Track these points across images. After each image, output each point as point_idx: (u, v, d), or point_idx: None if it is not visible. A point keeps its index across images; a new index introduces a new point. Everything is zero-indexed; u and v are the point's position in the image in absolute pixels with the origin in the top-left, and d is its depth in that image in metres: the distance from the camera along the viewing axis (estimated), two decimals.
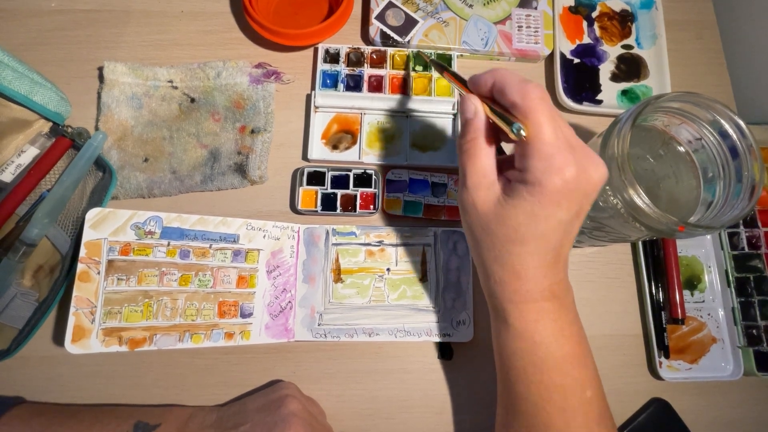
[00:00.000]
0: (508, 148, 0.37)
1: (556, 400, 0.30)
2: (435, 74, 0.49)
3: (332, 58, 0.49)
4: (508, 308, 0.30)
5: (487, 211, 0.29)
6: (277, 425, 0.35)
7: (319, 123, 0.48)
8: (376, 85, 0.48)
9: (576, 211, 0.28)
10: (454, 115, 0.48)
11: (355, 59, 0.49)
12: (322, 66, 0.49)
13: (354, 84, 0.48)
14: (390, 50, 0.49)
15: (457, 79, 0.34)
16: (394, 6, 0.50)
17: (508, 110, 0.28)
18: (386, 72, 0.49)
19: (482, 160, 0.29)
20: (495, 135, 0.30)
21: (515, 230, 0.28)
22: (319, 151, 0.47)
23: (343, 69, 0.49)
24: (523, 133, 0.26)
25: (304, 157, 0.47)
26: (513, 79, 0.28)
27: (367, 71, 0.49)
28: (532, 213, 0.27)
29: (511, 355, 0.32)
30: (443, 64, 0.39)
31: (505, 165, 0.30)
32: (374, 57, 0.49)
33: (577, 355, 0.31)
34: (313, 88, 0.49)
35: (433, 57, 0.47)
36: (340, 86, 0.48)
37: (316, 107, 0.48)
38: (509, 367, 0.32)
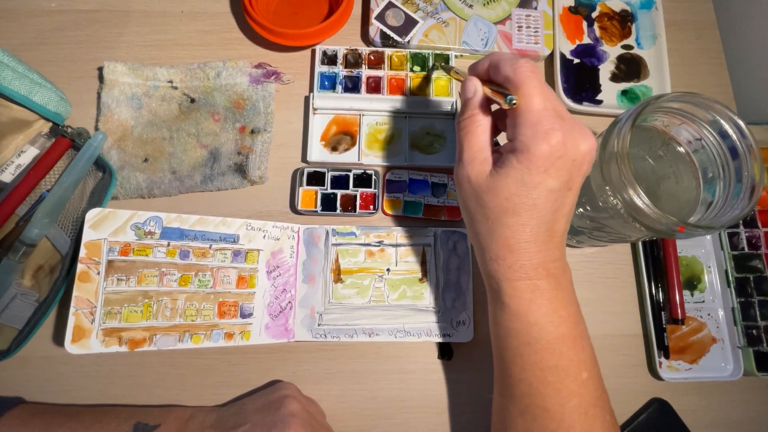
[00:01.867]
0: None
1: (551, 381, 0.30)
2: (434, 74, 0.49)
3: (330, 59, 0.49)
4: (503, 286, 0.31)
5: (480, 183, 0.29)
6: (276, 426, 0.35)
7: (318, 125, 0.48)
8: (375, 86, 0.48)
9: (565, 181, 0.28)
10: (453, 115, 0.48)
11: (353, 60, 0.49)
12: (320, 68, 0.49)
13: (352, 85, 0.48)
14: (388, 51, 0.49)
15: (461, 75, 0.36)
16: (394, 6, 0.50)
17: (503, 87, 0.29)
18: (384, 73, 0.49)
19: (478, 137, 0.30)
20: (492, 119, 0.31)
21: (507, 200, 0.28)
22: (318, 153, 0.47)
23: (341, 70, 0.49)
24: (514, 102, 0.27)
25: (304, 159, 0.47)
26: (506, 56, 0.30)
27: (365, 72, 0.49)
28: (522, 181, 0.27)
29: (506, 335, 0.31)
30: (449, 66, 0.42)
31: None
32: (372, 58, 0.49)
33: (572, 337, 0.31)
34: (311, 89, 0.49)
35: (445, 64, 0.49)
36: (339, 88, 0.48)
37: (315, 109, 0.48)
38: (504, 348, 0.32)
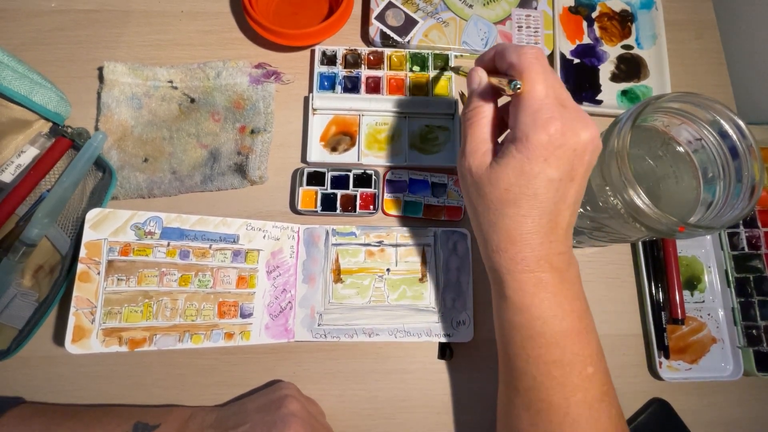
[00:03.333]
0: None
1: (556, 376, 0.30)
2: (432, 74, 0.49)
3: (329, 60, 0.49)
4: (506, 279, 0.30)
5: (481, 174, 0.29)
6: (276, 425, 0.35)
7: (318, 125, 0.48)
8: (374, 86, 0.48)
9: (567, 171, 0.28)
10: (452, 114, 0.48)
11: (353, 61, 0.49)
12: (319, 68, 0.49)
13: (351, 86, 0.48)
14: (387, 51, 0.49)
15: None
16: (394, 6, 0.50)
17: (508, 75, 0.29)
18: (383, 73, 0.49)
19: (482, 128, 0.30)
20: (499, 113, 0.31)
21: (507, 190, 0.28)
22: (318, 153, 0.47)
23: (340, 71, 0.49)
24: (519, 87, 0.27)
25: (303, 160, 0.47)
26: (511, 45, 0.30)
27: (365, 72, 0.49)
28: (521, 170, 0.27)
29: (510, 328, 0.31)
30: (457, 67, 0.43)
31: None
32: (371, 58, 0.49)
33: (577, 331, 0.30)
34: (310, 90, 0.49)
35: (452, 66, 0.49)
36: (338, 88, 0.48)
37: (314, 109, 0.48)
38: (508, 341, 0.32)
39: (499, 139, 0.32)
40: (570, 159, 0.27)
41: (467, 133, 0.31)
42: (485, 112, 0.30)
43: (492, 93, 0.31)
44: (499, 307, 0.32)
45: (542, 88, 0.27)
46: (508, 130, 0.29)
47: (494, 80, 0.30)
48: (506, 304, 0.31)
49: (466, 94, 0.50)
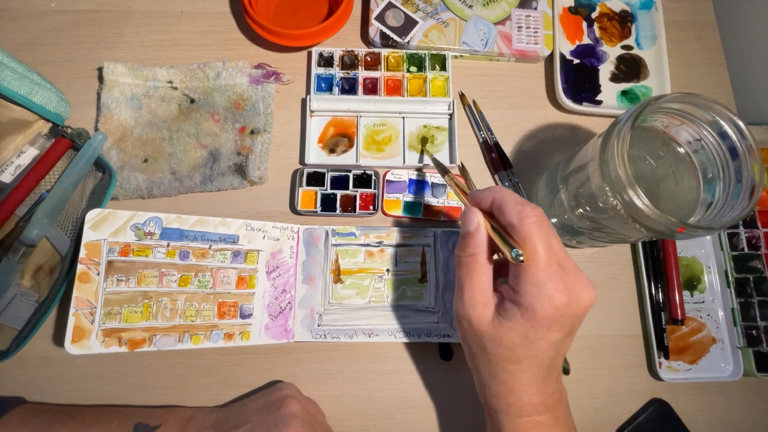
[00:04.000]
0: None
1: None
2: (430, 75, 0.49)
3: (326, 61, 0.49)
4: (503, 420, 0.32)
5: (483, 330, 0.29)
6: (276, 425, 0.35)
7: (316, 127, 0.48)
8: (371, 88, 0.48)
9: (567, 332, 0.29)
10: (450, 115, 0.48)
11: (350, 62, 0.49)
12: (316, 70, 0.48)
13: (349, 87, 0.48)
14: (384, 52, 0.49)
15: (460, 188, 0.35)
16: (394, 6, 0.50)
17: (505, 229, 0.29)
18: (380, 74, 0.49)
19: (480, 278, 0.30)
20: (491, 250, 0.30)
21: (510, 350, 0.29)
22: (316, 155, 0.47)
23: (337, 72, 0.48)
24: (521, 258, 0.27)
25: (302, 162, 0.47)
26: (511, 200, 0.29)
27: (362, 74, 0.48)
28: (526, 336, 0.28)
29: None
30: (446, 168, 0.41)
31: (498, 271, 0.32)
32: (368, 59, 0.49)
33: None
34: (308, 92, 0.49)
35: (435, 157, 0.45)
36: (335, 90, 0.48)
37: (312, 111, 0.48)
38: None
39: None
40: (571, 323, 0.29)
41: (464, 281, 0.30)
42: (481, 261, 0.30)
43: (489, 240, 0.30)
44: None
45: (545, 257, 0.27)
46: (508, 288, 0.29)
47: (494, 237, 0.29)
48: None
49: (461, 98, 0.50)
